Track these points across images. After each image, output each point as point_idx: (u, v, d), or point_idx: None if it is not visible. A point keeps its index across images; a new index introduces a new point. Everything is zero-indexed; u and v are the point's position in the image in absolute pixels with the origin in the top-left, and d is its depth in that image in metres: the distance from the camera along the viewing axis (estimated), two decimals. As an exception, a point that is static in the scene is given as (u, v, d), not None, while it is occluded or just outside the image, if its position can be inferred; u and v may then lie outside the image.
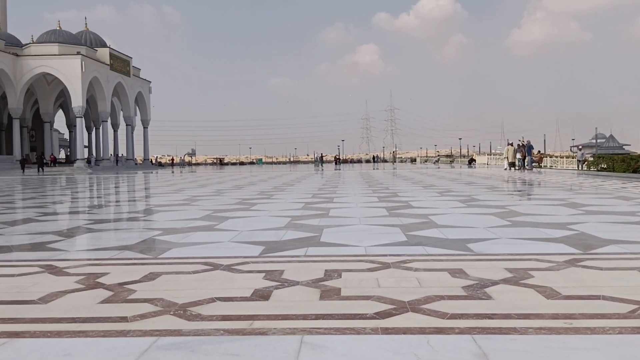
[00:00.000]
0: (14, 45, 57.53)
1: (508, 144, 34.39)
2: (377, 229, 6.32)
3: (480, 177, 23.01)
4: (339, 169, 44.79)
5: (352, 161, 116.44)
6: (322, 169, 47.21)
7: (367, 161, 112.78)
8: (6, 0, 71.89)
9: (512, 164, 32.49)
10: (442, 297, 3.16)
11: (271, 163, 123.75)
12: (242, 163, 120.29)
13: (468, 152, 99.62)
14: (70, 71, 52.90)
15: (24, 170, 43.62)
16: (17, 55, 53.99)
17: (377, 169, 45.37)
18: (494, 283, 3.50)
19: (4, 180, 27.30)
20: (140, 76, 71.61)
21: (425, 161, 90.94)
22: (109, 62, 60.30)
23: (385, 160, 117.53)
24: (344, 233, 6.04)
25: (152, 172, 44.28)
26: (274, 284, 3.57)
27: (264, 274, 3.85)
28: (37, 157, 49.52)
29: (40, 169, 44.27)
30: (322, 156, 61.59)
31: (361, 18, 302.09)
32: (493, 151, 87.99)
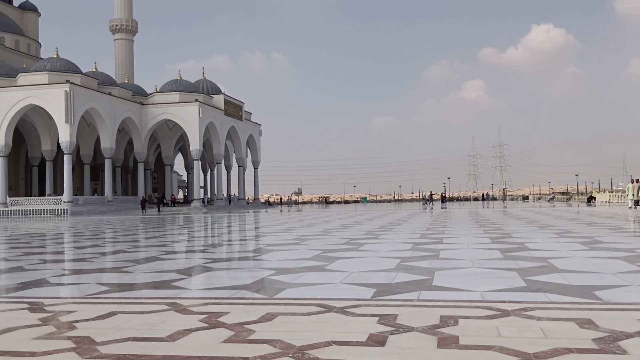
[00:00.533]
0: (139, 95, 62.99)
1: (632, 181, 32.03)
2: (492, 273, 6.08)
3: (602, 216, 21.47)
4: (446, 208, 43.78)
5: (459, 199, 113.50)
6: (432, 207, 46.42)
7: (475, 199, 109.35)
8: (133, 56, 79.45)
9: (637, 202, 30.15)
10: (570, 350, 2.96)
11: (375, 201, 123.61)
12: (346, 201, 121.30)
13: (586, 189, 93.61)
14: (189, 117, 56.82)
15: (144, 210, 46.90)
16: (143, 104, 58.96)
17: (487, 207, 43.80)
18: (629, 336, 3.23)
19: (129, 220, 29.51)
20: (252, 120, 75.23)
21: (539, 199, 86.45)
22: (223, 108, 64.03)
23: (494, 198, 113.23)
24: (457, 276, 5.87)
25: (262, 211, 45.83)
26: (389, 329, 3.53)
27: (377, 318, 3.82)
28: (157, 197, 53.23)
29: (159, 208, 47.47)
30: (431, 194, 60.71)
31: (466, 54, 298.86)
32: (614, 188, 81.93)
